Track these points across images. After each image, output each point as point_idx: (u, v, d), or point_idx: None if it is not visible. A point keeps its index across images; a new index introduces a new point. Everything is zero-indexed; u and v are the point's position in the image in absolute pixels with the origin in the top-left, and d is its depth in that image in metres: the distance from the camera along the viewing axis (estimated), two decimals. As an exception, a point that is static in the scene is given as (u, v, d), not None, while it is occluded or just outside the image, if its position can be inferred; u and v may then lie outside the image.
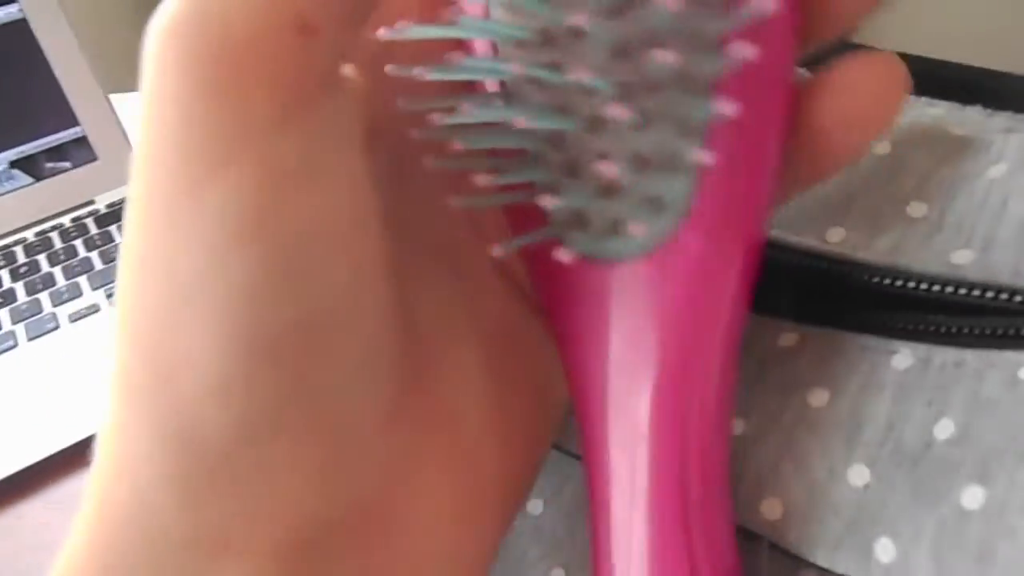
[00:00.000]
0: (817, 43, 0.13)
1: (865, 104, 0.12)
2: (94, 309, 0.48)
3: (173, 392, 0.11)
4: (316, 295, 0.12)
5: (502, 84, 0.14)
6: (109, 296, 0.49)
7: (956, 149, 0.16)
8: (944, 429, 0.13)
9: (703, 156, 0.12)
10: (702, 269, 0.13)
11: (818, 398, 0.14)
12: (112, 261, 0.51)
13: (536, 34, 0.13)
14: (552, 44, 0.13)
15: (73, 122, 0.57)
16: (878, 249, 0.15)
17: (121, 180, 0.58)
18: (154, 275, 0.11)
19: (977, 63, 0.19)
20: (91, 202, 0.57)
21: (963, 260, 0.14)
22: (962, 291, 0.13)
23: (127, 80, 0.72)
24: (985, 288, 0.13)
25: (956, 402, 0.13)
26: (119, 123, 0.58)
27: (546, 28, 0.13)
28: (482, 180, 0.14)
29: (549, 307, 0.15)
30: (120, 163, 0.59)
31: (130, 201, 0.12)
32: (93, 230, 0.54)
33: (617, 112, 0.12)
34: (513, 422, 0.15)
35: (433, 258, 0.14)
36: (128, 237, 0.12)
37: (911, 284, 0.14)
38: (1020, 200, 0.14)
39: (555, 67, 0.13)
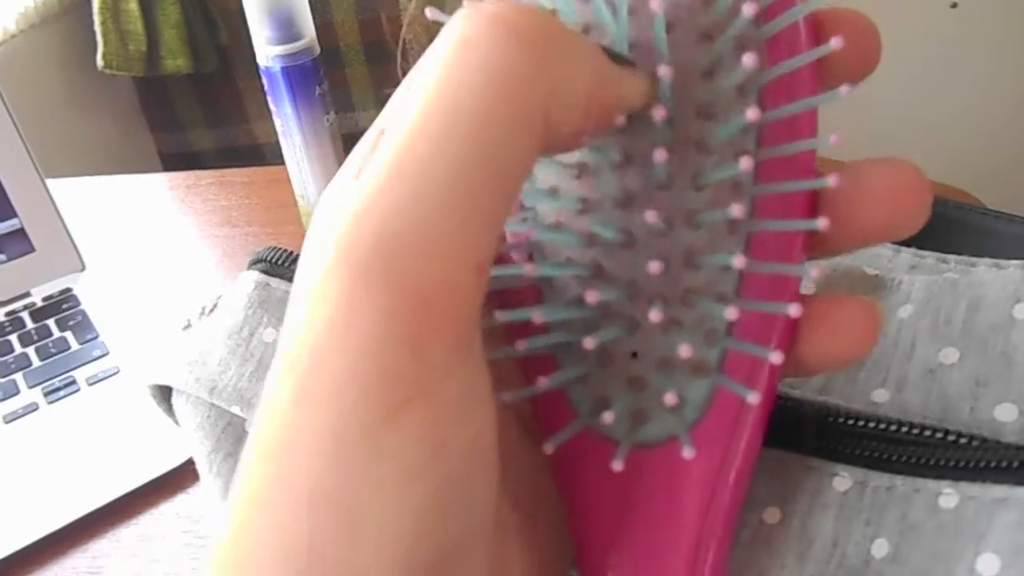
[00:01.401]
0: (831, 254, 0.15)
1: (842, 347, 0.14)
2: (31, 408, 0.47)
3: None
4: (468, 517, 0.12)
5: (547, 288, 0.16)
6: (47, 395, 0.48)
7: (870, 289, 0.19)
8: (880, 548, 0.15)
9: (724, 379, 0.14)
10: (712, 461, 0.14)
11: (772, 516, 0.16)
12: (50, 357, 0.50)
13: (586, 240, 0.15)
14: (600, 250, 0.15)
15: (10, 213, 0.56)
16: (810, 386, 0.17)
17: (58, 272, 0.57)
18: (327, 506, 0.11)
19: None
20: (27, 294, 0.56)
21: (881, 399, 0.16)
22: (882, 426, 0.16)
23: (64, 165, 0.71)
24: (900, 424, 0.16)
25: (889, 523, 0.15)
26: (58, 213, 0.58)
27: (594, 235, 0.15)
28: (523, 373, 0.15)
29: (560, 477, 0.16)
30: (58, 254, 0.58)
31: (291, 435, 0.12)
32: (29, 324, 0.53)
33: (653, 316, 0.14)
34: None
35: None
36: (289, 471, 0.12)
37: (840, 420, 0.16)
38: (924, 343, 0.17)
39: (599, 272, 0.15)
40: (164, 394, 0.26)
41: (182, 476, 0.43)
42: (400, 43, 0.96)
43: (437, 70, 0.12)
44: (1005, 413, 0.16)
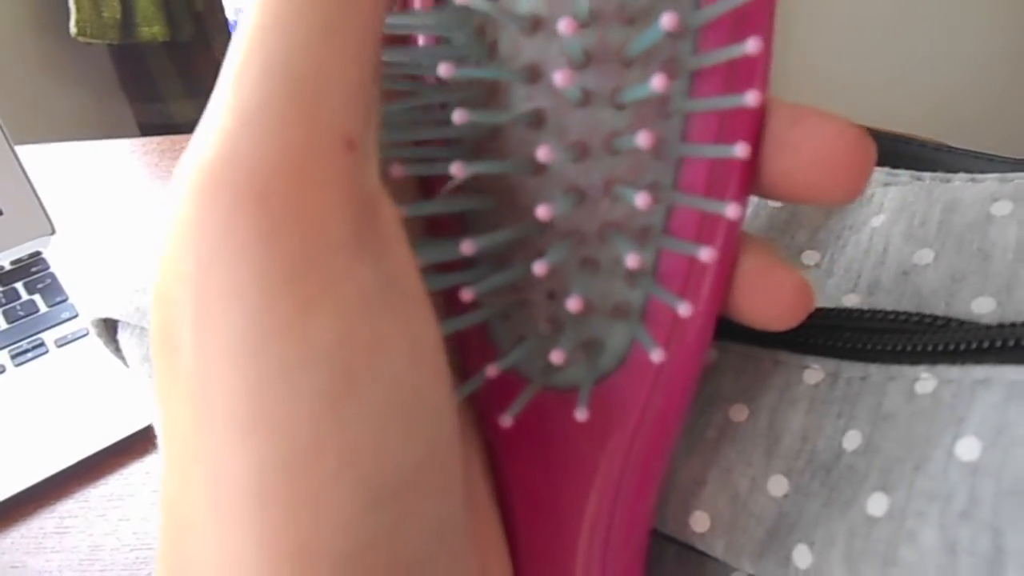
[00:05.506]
0: None
1: (768, 316, 0.13)
2: (-2, 370, 0.45)
3: (313, 558, 0.10)
4: (428, 433, 0.11)
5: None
6: (15, 357, 0.46)
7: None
8: (852, 440, 0.14)
9: (649, 343, 0.13)
10: (624, 420, 0.13)
11: (738, 413, 0.15)
12: (18, 320, 0.49)
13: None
14: (510, 178, 0.13)
15: (-24, 176, 0.54)
16: None
17: (27, 235, 0.56)
18: (264, 432, 0.10)
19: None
20: (-6, 259, 0.54)
21: (852, 303, 0.15)
22: (855, 315, 0.14)
23: (39, 134, 0.69)
24: (874, 314, 0.14)
25: (862, 414, 0.14)
26: (26, 176, 0.56)
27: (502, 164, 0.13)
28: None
29: (488, 421, 0.15)
30: (26, 218, 0.56)
31: (220, 365, 0.10)
32: (-3, 288, 0.52)
33: (538, 269, 0.12)
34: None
35: None
36: (222, 405, 0.10)
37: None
38: (898, 247, 0.16)
39: (510, 203, 0.13)
40: (111, 332, 0.25)
41: (152, 436, 0.41)
42: None
43: None
44: (982, 306, 0.15)
